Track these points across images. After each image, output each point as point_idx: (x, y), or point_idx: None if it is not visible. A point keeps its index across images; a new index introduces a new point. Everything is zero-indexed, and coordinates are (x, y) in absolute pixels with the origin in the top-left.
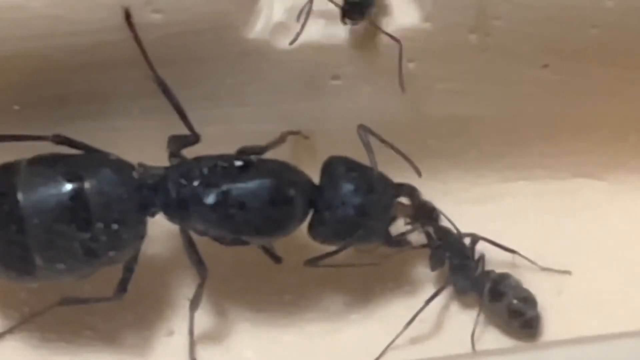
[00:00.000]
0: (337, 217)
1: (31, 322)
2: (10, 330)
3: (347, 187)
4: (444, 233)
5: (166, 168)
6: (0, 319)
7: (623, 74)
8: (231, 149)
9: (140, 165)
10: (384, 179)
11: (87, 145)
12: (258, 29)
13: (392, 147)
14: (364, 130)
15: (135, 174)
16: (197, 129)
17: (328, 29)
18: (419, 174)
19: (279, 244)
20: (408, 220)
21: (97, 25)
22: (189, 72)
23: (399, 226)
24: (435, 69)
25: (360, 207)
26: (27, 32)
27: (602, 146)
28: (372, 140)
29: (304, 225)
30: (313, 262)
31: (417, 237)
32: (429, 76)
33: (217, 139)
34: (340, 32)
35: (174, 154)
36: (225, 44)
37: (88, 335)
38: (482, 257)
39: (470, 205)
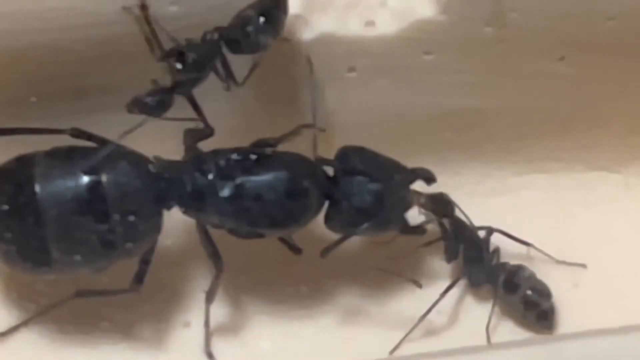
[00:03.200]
0: (353, 207)
1: (48, 314)
2: (26, 322)
3: (361, 175)
4: (458, 225)
5: (181, 161)
6: (16, 311)
7: (639, 67)
8: (246, 142)
9: (156, 158)
10: (398, 166)
11: (104, 139)
12: None
13: None
14: None
15: (151, 167)
16: (214, 121)
17: (343, 21)
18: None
19: (294, 237)
20: (423, 209)
21: (114, 17)
22: None
23: (414, 217)
24: (451, 62)
25: (375, 195)
26: (43, 24)
27: (618, 139)
28: (377, 140)
29: (320, 217)
30: (327, 251)
31: (432, 230)
32: (445, 69)
33: (234, 132)
34: (355, 24)
35: (189, 147)
36: None
37: (104, 327)
38: (496, 250)
39: (486, 198)
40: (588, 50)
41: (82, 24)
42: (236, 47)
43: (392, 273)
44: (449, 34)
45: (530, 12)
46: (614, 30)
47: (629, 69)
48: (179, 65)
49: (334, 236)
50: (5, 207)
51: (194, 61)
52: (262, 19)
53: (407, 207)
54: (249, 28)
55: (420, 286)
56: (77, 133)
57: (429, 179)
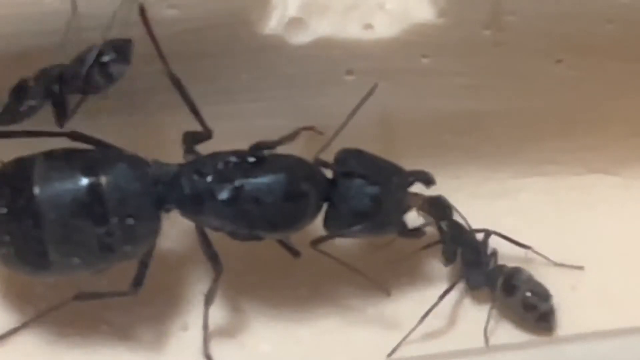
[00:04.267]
0: (351, 209)
1: (47, 316)
2: (26, 325)
3: (360, 178)
4: (456, 228)
5: (180, 164)
6: (16, 313)
7: (638, 69)
8: (246, 145)
9: (155, 161)
10: (396, 168)
11: (102, 142)
12: (273, 24)
13: None
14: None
15: (150, 170)
16: (212, 124)
17: (341, 24)
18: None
19: (293, 239)
20: (421, 211)
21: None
22: (204, 68)
23: (413, 220)
24: (449, 65)
25: (374, 198)
26: (41, 27)
27: (617, 141)
28: (375, 143)
29: (318, 220)
30: (319, 242)
31: (430, 233)
32: (443, 71)
33: (232, 134)
34: (353, 27)
35: (188, 150)
36: (240, 39)
37: (103, 329)
38: (494, 252)
39: (484, 201)
40: (586, 53)
41: (79, 28)
42: (71, 86)
43: (367, 277)
44: (447, 37)
45: (528, 14)
46: (613, 32)
47: (628, 71)
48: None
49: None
50: (4, 209)
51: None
52: (106, 57)
53: (406, 209)
54: (87, 69)
55: (389, 294)
56: (76, 136)
57: (428, 181)
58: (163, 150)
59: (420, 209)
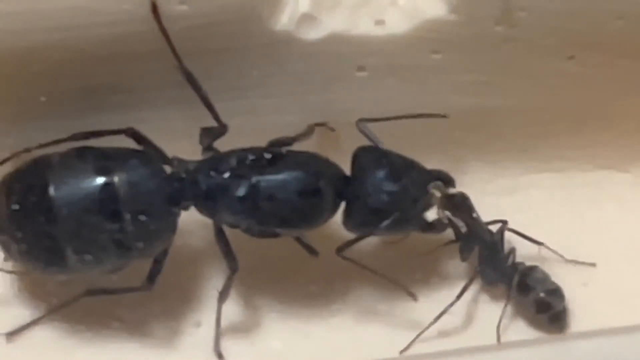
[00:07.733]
0: (370, 207)
1: (58, 312)
2: (37, 321)
3: (379, 175)
4: (475, 225)
5: (197, 161)
6: (28, 309)
7: None
8: (257, 141)
9: (175, 158)
10: (416, 165)
11: (152, 144)
12: (284, 20)
13: (400, 117)
14: (363, 123)
15: (166, 167)
16: (223, 120)
17: (353, 20)
18: (445, 115)
19: (311, 237)
20: (440, 208)
21: (123, 17)
22: (215, 64)
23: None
24: (460, 61)
25: (393, 195)
26: (52, 23)
27: (627, 138)
28: (386, 139)
29: (336, 217)
30: (343, 249)
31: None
32: (454, 68)
33: (243, 130)
34: (365, 23)
35: (207, 146)
36: (251, 35)
37: (115, 326)
38: (512, 250)
39: (495, 197)
40: (597, 49)
41: (90, 24)
42: None
43: (395, 282)
44: (458, 33)
45: (539, 11)
46: (623, 29)
47: (638, 68)
48: None
49: (346, 236)
50: (17, 206)
51: None
52: None
53: (426, 207)
54: None
55: (416, 299)
56: (132, 134)
57: (447, 181)
58: (172, 146)
59: (440, 206)
